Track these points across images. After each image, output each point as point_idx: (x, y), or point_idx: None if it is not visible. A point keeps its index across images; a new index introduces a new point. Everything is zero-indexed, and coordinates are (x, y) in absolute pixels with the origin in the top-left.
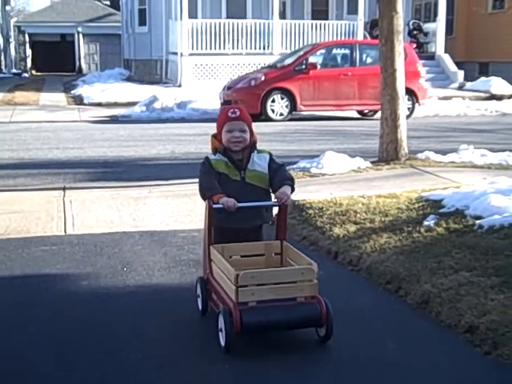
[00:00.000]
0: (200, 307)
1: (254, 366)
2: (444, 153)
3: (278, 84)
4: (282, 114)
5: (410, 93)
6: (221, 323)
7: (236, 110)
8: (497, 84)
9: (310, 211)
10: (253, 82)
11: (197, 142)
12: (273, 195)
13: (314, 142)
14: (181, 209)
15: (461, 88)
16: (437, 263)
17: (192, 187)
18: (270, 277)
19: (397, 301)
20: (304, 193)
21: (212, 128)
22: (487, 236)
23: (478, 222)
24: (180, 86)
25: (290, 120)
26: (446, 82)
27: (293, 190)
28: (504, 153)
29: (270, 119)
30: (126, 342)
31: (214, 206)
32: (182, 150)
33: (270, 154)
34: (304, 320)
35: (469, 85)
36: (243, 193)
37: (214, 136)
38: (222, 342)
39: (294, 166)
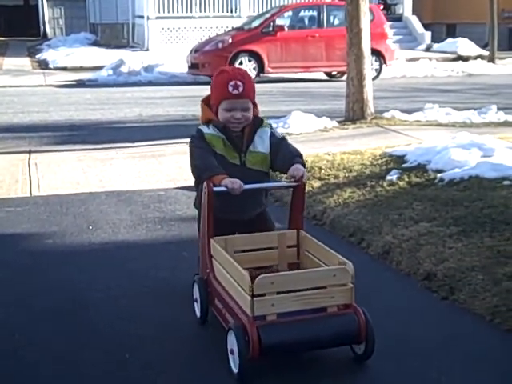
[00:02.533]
0: (198, 314)
1: None
2: (410, 112)
3: (245, 46)
4: None
5: (377, 54)
6: (231, 343)
7: (239, 84)
8: (463, 45)
9: None
10: (220, 45)
11: (164, 105)
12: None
13: (281, 103)
14: (147, 169)
15: (428, 49)
16: (398, 215)
17: (159, 148)
18: (294, 281)
19: (359, 252)
20: None
21: (180, 91)
22: (447, 188)
23: (439, 175)
24: (147, 49)
25: (258, 82)
26: (413, 44)
27: (304, 167)
28: (468, 111)
29: None
30: (91, 297)
31: (215, 188)
32: (149, 112)
33: (271, 127)
34: (338, 336)
35: (436, 46)
36: (243, 179)
37: (206, 103)
38: (235, 368)
39: None
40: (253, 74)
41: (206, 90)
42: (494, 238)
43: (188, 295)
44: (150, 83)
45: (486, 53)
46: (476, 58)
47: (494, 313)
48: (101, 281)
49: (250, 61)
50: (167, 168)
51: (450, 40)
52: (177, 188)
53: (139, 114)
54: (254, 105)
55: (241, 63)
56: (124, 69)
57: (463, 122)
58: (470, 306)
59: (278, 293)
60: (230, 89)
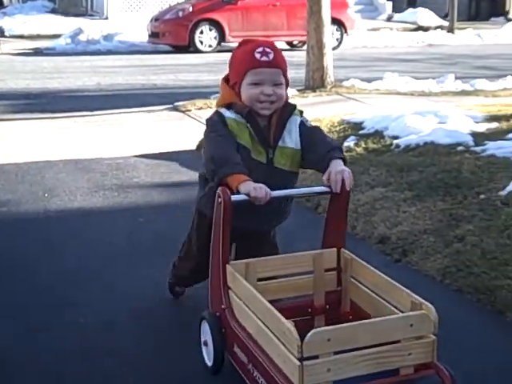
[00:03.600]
0: (209, 363)
1: None
2: (370, 81)
3: (206, 15)
4: (210, 46)
5: (338, 23)
6: None
7: (268, 51)
8: (424, 15)
9: None
10: (180, 13)
11: (124, 73)
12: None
13: None
14: (106, 138)
15: (389, 19)
16: (354, 181)
17: (118, 117)
18: (359, 336)
19: (315, 218)
20: None
21: (140, 60)
22: (403, 154)
23: (395, 141)
24: (106, 18)
25: (219, 51)
26: (374, 14)
27: (345, 163)
28: (427, 80)
29: (198, 51)
30: (45, 264)
31: (234, 197)
32: (108, 81)
33: (302, 114)
34: None
35: (397, 16)
36: (268, 182)
37: (227, 80)
38: None
39: None
40: (214, 43)
41: (167, 59)
42: (446, 202)
43: (145, 259)
44: (110, 52)
45: (446, 23)
46: (436, 28)
47: (445, 273)
48: (55, 248)
49: (210, 30)
50: (126, 136)
51: (410, 10)
52: (135, 156)
53: (98, 82)
54: (286, 85)
55: (202, 32)
56: (82, 37)
57: (421, 91)
58: (421, 268)
59: (336, 352)
60: (258, 55)
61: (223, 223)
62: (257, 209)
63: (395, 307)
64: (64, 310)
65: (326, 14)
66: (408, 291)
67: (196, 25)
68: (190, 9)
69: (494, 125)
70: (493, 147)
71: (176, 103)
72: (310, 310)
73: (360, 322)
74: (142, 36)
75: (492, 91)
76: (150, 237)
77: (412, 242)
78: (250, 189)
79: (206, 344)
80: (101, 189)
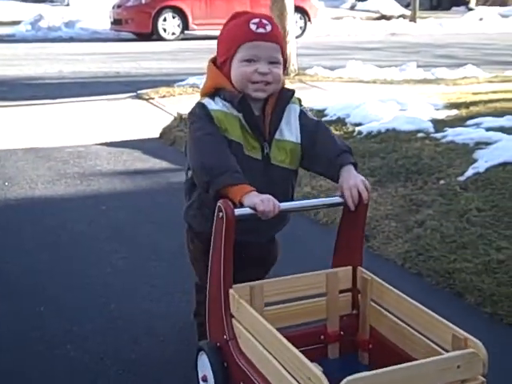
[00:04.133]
0: None
1: None
2: (333, 69)
3: (169, 2)
4: (174, 33)
5: (302, 11)
6: None
7: (266, 22)
8: (386, 4)
9: None
10: (143, 0)
11: (86, 61)
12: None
13: (205, 61)
14: (67, 126)
15: (352, 8)
16: None
17: (80, 105)
18: (396, 381)
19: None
20: (190, 106)
21: (103, 48)
22: (365, 141)
23: (357, 128)
24: (68, 4)
25: (183, 39)
26: (337, 2)
27: (355, 167)
28: (389, 68)
29: (162, 38)
30: (4, 252)
31: (238, 211)
32: (70, 69)
33: (300, 102)
34: None
35: (360, 5)
36: (265, 182)
37: (215, 62)
38: None
39: (184, 83)
40: (177, 30)
41: (130, 47)
42: (407, 188)
43: (106, 246)
44: (72, 39)
45: (408, 12)
46: (398, 17)
47: (405, 258)
48: (16, 235)
49: (174, 17)
50: (88, 125)
51: None
52: (98, 144)
53: (60, 70)
54: (284, 65)
55: (165, 20)
56: (43, 24)
57: (384, 79)
58: (383, 252)
59: None
60: (253, 27)
61: (225, 241)
62: (256, 221)
63: (427, 338)
64: (23, 299)
65: (289, 1)
66: (448, 323)
67: (159, 12)
68: None
69: (454, 112)
70: (452, 134)
71: (139, 91)
72: (322, 337)
73: (400, 366)
74: (104, 23)
75: (452, 79)
76: (112, 224)
77: (373, 227)
78: (257, 201)
79: (204, 380)
80: (62, 177)
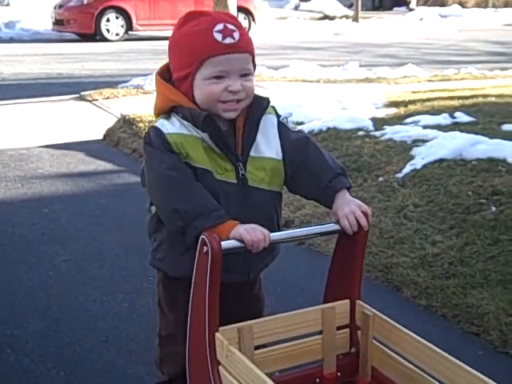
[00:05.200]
0: None
1: None
2: (277, 68)
3: (112, 2)
4: (117, 34)
5: (246, 12)
6: None
7: (232, 28)
8: (330, 5)
9: (141, 124)
10: (85, 0)
11: (27, 62)
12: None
13: (150, 61)
14: (8, 128)
15: (296, 8)
16: None
17: (21, 107)
18: None
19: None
20: (136, 107)
21: (45, 49)
22: None
23: (299, 127)
24: (8, 4)
25: (127, 40)
26: (282, 3)
27: (349, 189)
28: (332, 68)
29: (105, 39)
30: None
31: (225, 244)
32: (10, 70)
33: (276, 111)
34: None
35: (304, 5)
36: (244, 208)
37: (163, 75)
38: None
39: (128, 84)
40: (121, 31)
41: (72, 48)
42: None
43: (48, 248)
44: (12, 40)
45: (351, 12)
46: (341, 17)
47: None
48: None
49: (117, 18)
50: (30, 127)
51: None
52: (40, 146)
53: (0, 71)
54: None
55: (108, 20)
56: None
57: (327, 78)
58: (323, 249)
59: None
60: (219, 36)
61: (210, 279)
62: (239, 257)
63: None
64: None
65: (233, 1)
66: (471, 369)
67: (102, 12)
68: None
69: (393, 110)
70: (391, 132)
71: (82, 92)
72: (318, 380)
73: None
74: (46, 23)
75: (393, 78)
76: (54, 227)
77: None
78: (241, 231)
79: None
80: (3, 180)
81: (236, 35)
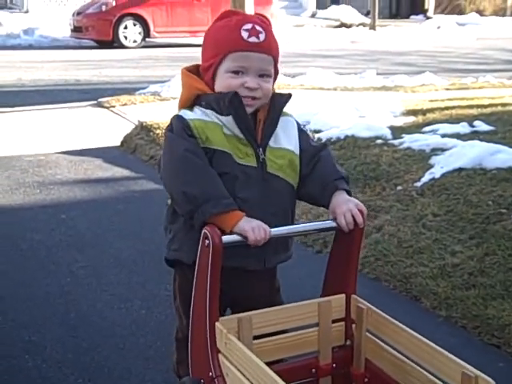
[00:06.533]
0: None
1: None
2: (294, 76)
3: (130, 9)
4: (135, 41)
5: None
6: None
7: (259, 29)
8: (347, 13)
9: (158, 131)
10: (104, 8)
11: (46, 69)
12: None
13: (167, 68)
14: (27, 134)
15: (313, 16)
16: None
17: (40, 113)
18: None
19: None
20: (153, 114)
21: (63, 55)
22: None
23: (317, 135)
24: (27, 11)
25: (144, 47)
26: (298, 10)
27: (349, 194)
28: (349, 76)
29: (123, 46)
30: None
31: (226, 238)
32: (29, 77)
33: (296, 120)
34: None
35: (321, 13)
36: (262, 193)
37: (191, 71)
38: None
39: (145, 91)
40: (138, 38)
41: (90, 55)
42: (365, 194)
43: (66, 255)
44: (31, 47)
45: (368, 20)
46: (358, 25)
47: (364, 263)
48: None
49: (135, 25)
50: (48, 133)
51: (334, 7)
52: (58, 153)
53: (19, 78)
54: (275, 77)
55: (126, 27)
56: (2, 31)
57: (344, 86)
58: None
59: None
60: (245, 34)
61: (211, 271)
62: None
63: (432, 374)
64: None
65: (250, 9)
66: (456, 359)
67: (120, 19)
68: (114, 3)
69: (411, 119)
70: (409, 140)
71: (100, 99)
72: (314, 370)
73: None
74: (64, 30)
75: (411, 87)
76: (72, 233)
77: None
78: (247, 229)
79: None
80: (21, 186)
81: (262, 36)
